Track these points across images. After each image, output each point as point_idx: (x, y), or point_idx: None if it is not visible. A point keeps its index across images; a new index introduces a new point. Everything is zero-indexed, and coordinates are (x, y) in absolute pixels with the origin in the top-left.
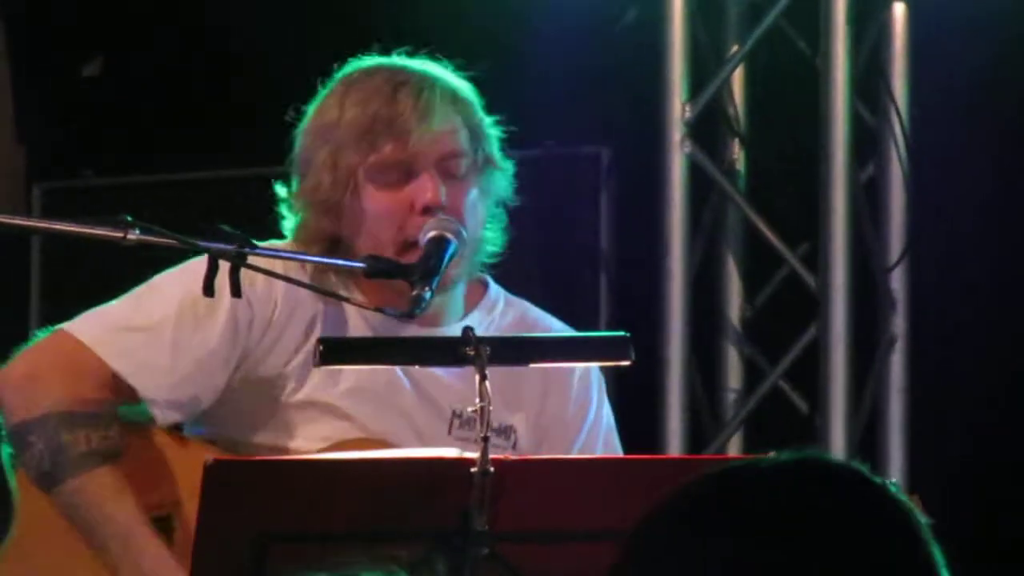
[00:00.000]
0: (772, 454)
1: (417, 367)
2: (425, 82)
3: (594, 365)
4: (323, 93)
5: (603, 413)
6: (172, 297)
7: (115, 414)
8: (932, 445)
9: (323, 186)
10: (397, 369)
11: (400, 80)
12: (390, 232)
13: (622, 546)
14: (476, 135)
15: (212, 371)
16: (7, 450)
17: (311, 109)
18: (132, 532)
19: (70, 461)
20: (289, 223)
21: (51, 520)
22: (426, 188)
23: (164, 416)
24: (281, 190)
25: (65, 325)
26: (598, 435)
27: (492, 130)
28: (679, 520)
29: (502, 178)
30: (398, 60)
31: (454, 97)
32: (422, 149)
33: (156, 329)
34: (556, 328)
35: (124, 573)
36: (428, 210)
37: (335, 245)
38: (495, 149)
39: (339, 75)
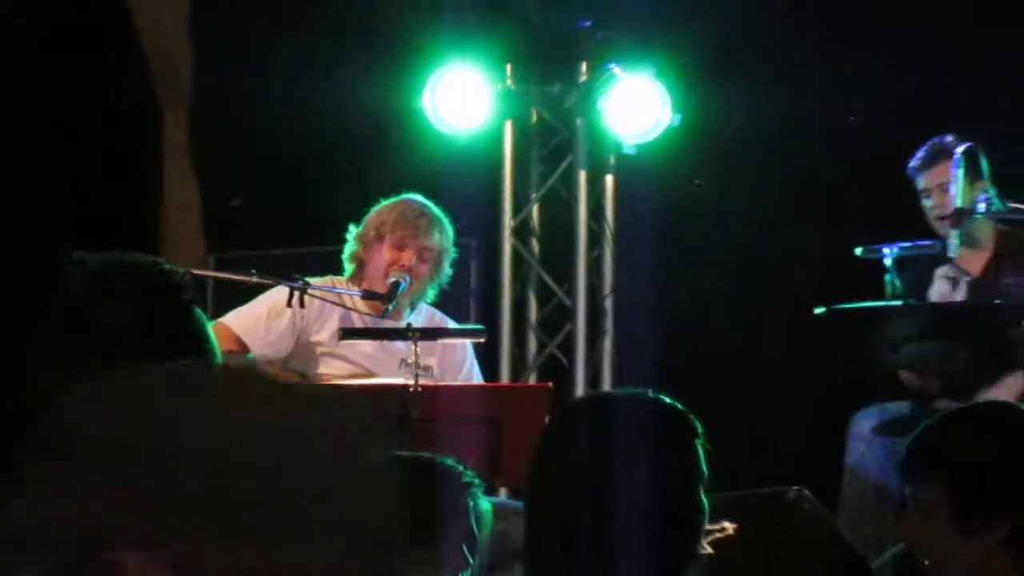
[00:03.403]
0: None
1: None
2: (433, 217)
3: (468, 340)
4: (383, 203)
5: (474, 363)
6: (265, 304)
7: (244, 355)
8: (631, 385)
9: (368, 237)
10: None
11: (422, 211)
12: (383, 268)
13: (537, 443)
14: (443, 250)
15: (282, 340)
16: None
17: (374, 209)
18: None
19: None
20: (347, 248)
21: None
22: (407, 258)
23: (263, 357)
24: (353, 230)
25: (220, 318)
26: (473, 372)
27: (451, 250)
28: (563, 423)
29: (446, 273)
30: (425, 201)
31: (441, 228)
32: (416, 244)
33: (257, 317)
34: (449, 319)
35: None
36: (402, 267)
37: (361, 264)
38: (449, 259)
39: (395, 198)
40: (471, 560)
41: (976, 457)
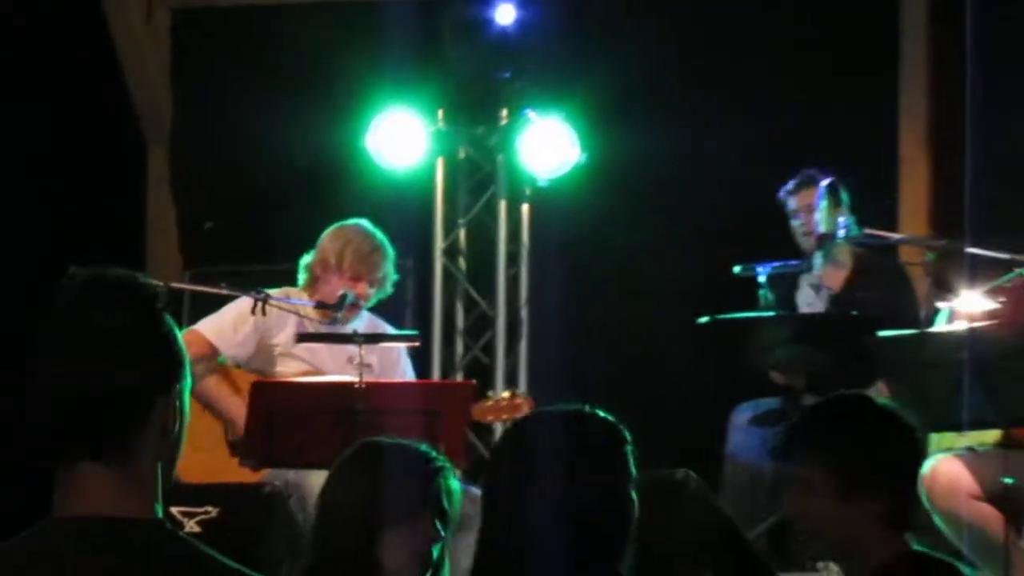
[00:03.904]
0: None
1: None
2: (384, 251)
3: (404, 344)
4: (339, 226)
5: (407, 360)
6: (232, 312)
7: (215, 358)
8: (543, 382)
9: (329, 263)
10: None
11: (376, 246)
12: (337, 292)
13: (493, 448)
14: (389, 274)
15: (247, 342)
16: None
17: (331, 230)
18: (228, 400)
19: (197, 376)
20: (306, 260)
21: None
22: (361, 289)
23: (230, 359)
24: (308, 256)
25: (192, 326)
26: (407, 368)
27: (393, 272)
28: (514, 436)
29: (387, 291)
30: (375, 231)
31: (389, 257)
32: (369, 276)
33: (226, 324)
34: (387, 324)
35: (228, 415)
36: (358, 295)
37: (316, 278)
38: (391, 280)
39: (349, 223)
40: (443, 534)
41: (856, 439)
